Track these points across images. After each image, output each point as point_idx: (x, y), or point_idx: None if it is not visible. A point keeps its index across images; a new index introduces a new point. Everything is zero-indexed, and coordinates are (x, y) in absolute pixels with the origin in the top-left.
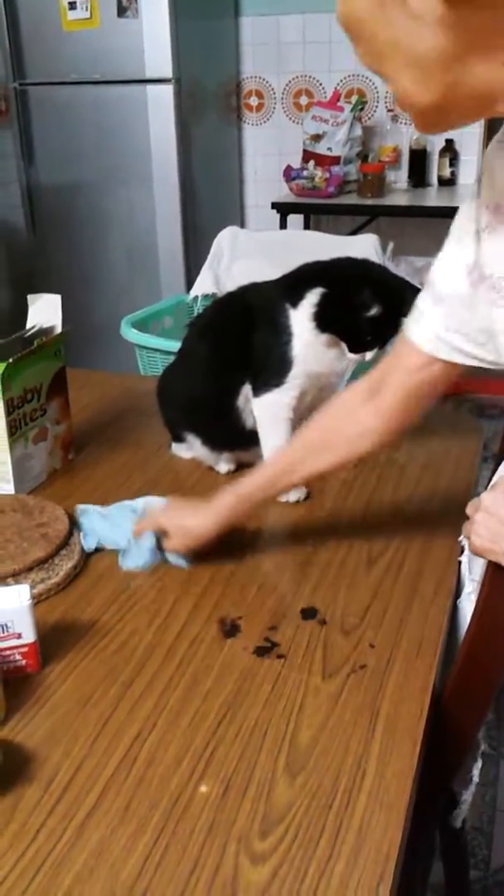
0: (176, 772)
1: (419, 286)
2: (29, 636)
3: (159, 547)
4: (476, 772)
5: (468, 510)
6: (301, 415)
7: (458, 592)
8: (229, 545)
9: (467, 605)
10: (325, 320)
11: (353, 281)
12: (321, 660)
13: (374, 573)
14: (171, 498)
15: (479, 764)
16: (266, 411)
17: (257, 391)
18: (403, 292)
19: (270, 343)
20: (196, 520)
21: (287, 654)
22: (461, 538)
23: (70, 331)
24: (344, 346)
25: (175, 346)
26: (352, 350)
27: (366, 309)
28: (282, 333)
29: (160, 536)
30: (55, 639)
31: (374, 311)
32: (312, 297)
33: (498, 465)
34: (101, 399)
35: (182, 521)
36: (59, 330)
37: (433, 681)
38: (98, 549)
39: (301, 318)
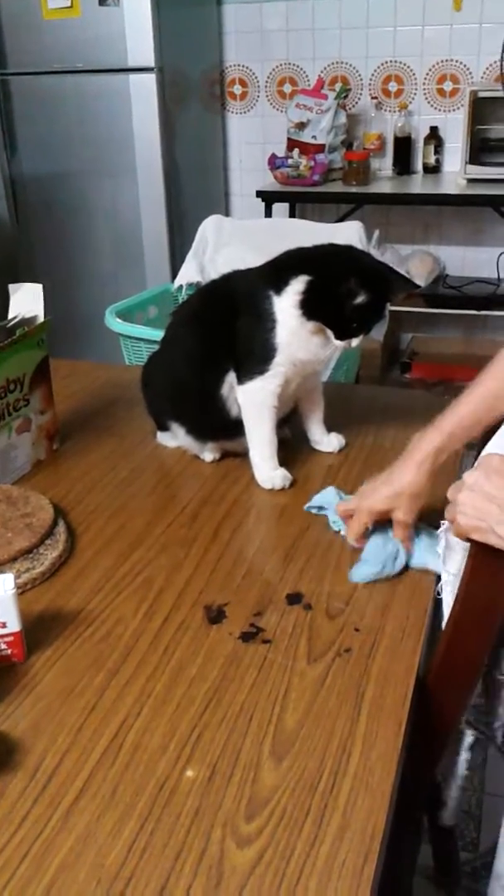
0: (162, 757)
1: (405, 273)
2: (14, 625)
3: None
4: (462, 766)
5: (450, 494)
6: (286, 403)
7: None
8: (216, 531)
9: (445, 594)
10: (310, 308)
11: (339, 268)
12: (306, 644)
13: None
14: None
15: (465, 756)
16: (250, 399)
17: (241, 379)
18: (388, 279)
19: (254, 330)
20: (406, 476)
21: (272, 639)
22: (443, 522)
23: (53, 320)
24: (330, 333)
25: (159, 335)
26: (338, 337)
27: (353, 296)
28: (265, 321)
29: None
30: (41, 628)
31: (360, 299)
32: (297, 285)
33: (481, 449)
34: (86, 389)
35: (393, 489)
36: (41, 319)
37: (417, 664)
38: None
39: (285, 305)
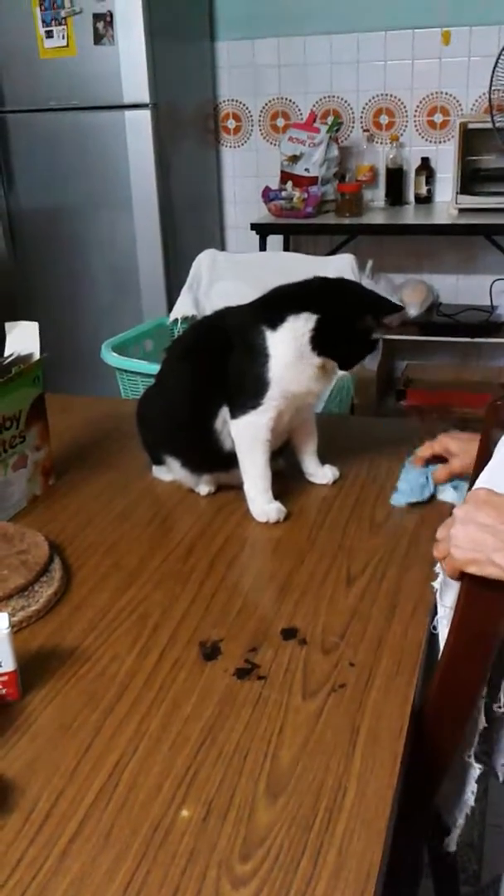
0: (157, 797)
1: (399, 302)
2: (9, 665)
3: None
4: (471, 796)
5: (440, 533)
6: (279, 436)
7: (435, 611)
8: (211, 565)
9: (441, 628)
10: (321, 344)
11: (346, 304)
12: (301, 680)
13: (353, 592)
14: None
15: (473, 787)
16: (244, 433)
17: (235, 413)
18: (384, 304)
19: (247, 365)
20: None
21: (267, 675)
22: (436, 569)
23: (49, 357)
24: (330, 365)
25: (155, 369)
26: (343, 367)
27: (369, 332)
28: (258, 355)
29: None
30: (36, 666)
31: (375, 332)
32: (301, 323)
33: (473, 482)
34: (82, 424)
35: (471, 444)
36: (37, 357)
37: (413, 697)
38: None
39: (280, 339)
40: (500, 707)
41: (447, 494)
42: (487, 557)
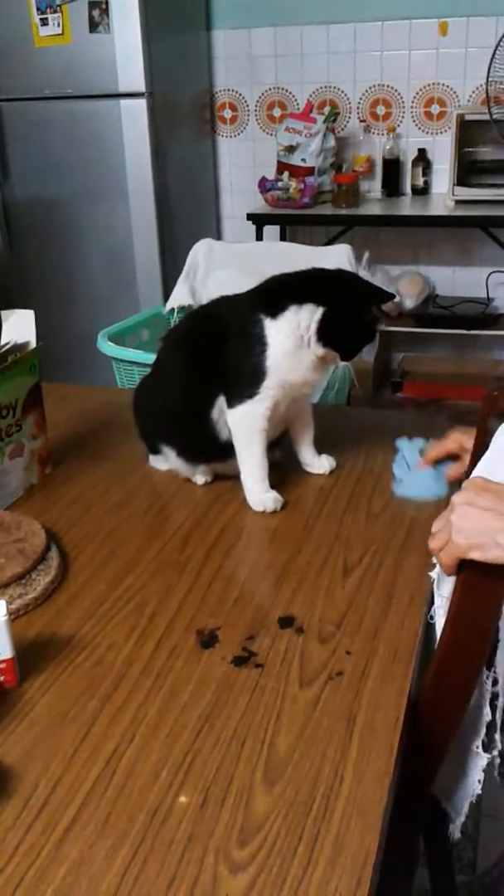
0: (154, 784)
1: (395, 293)
2: (6, 652)
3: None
4: (478, 785)
5: (435, 526)
6: (276, 426)
7: (431, 601)
8: (208, 554)
9: (438, 618)
10: (326, 335)
11: (351, 296)
12: (298, 668)
13: (350, 581)
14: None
15: (480, 776)
16: (240, 422)
17: (231, 402)
18: (381, 293)
19: (244, 354)
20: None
21: (265, 663)
22: (434, 559)
23: (45, 346)
24: (331, 356)
25: (151, 358)
26: (344, 358)
27: (373, 323)
28: (255, 344)
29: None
30: (33, 654)
31: (378, 324)
32: (305, 314)
33: (469, 472)
34: (79, 413)
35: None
36: (33, 345)
37: (409, 686)
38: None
39: (280, 328)
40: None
41: None
42: (492, 540)
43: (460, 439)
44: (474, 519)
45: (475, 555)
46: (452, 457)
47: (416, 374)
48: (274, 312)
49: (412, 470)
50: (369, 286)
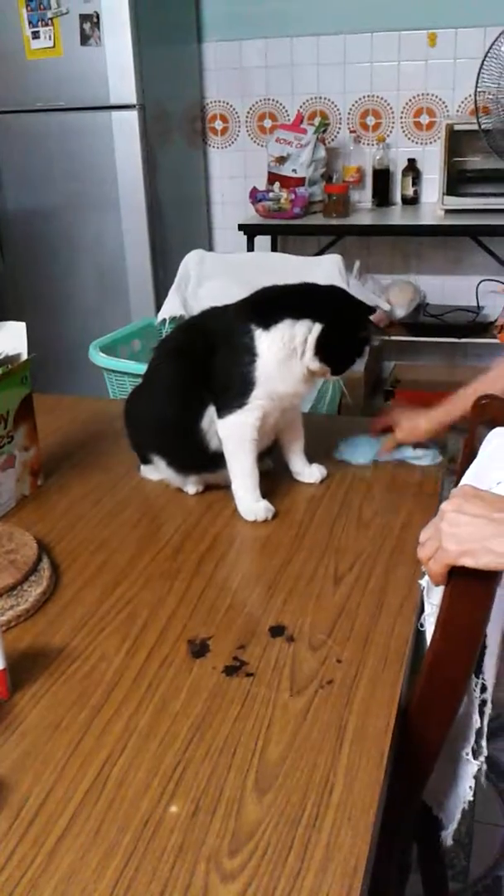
0: (146, 794)
1: (387, 303)
2: None
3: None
4: (469, 792)
5: (423, 536)
6: (266, 435)
7: (421, 609)
8: (199, 564)
9: (428, 625)
10: (322, 352)
11: (349, 315)
12: (289, 676)
13: (340, 589)
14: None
15: (471, 783)
16: (231, 432)
17: (221, 412)
18: (369, 308)
19: (233, 364)
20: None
21: (256, 671)
22: (423, 570)
23: (36, 357)
24: (323, 370)
25: (143, 369)
26: (336, 373)
27: (368, 339)
28: (245, 354)
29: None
30: (25, 665)
31: (373, 339)
32: (301, 329)
33: (459, 479)
34: (70, 424)
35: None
36: (24, 357)
37: (399, 693)
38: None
39: (272, 340)
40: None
41: (406, 454)
42: (483, 546)
43: (395, 415)
44: (465, 525)
45: (466, 561)
46: (389, 429)
47: (408, 382)
48: (267, 324)
49: (350, 439)
50: (360, 302)
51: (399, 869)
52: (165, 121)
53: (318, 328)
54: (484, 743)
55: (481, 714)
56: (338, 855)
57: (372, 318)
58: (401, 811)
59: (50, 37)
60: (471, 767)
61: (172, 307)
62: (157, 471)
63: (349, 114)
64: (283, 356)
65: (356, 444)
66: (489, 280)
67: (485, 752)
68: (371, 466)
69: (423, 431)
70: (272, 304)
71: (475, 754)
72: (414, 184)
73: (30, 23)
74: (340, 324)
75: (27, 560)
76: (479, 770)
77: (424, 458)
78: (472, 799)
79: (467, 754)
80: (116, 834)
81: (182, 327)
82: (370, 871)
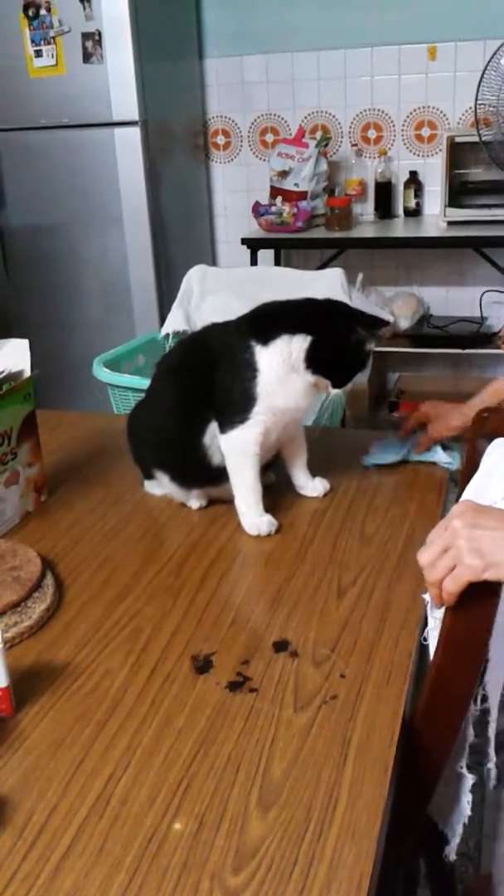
0: (150, 811)
1: (391, 315)
2: (1, 681)
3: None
4: (467, 806)
5: (424, 558)
6: (269, 450)
7: (425, 623)
8: (203, 579)
9: (432, 640)
10: (316, 364)
11: (341, 326)
12: (293, 692)
13: (344, 604)
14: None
15: (468, 797)
16: (233, 447)
17: (223, 428)
18: (373, 321)
19: (235, 380)
20: (464, 407)
21: (259, 687)
22: (425, 596)
23: (41, 373)
24: (323, 383)
25: (146, 384)
26: (336, 386)
27: (363, 351)
28: (246, 370)
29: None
30: (29, 682)
31: (369, 349)
32: (297, 343)
33: (461, 493)
34: (74, 440)
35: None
36: (27, 374)
37: (403, 707)
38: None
39: (271, 355)
40: (476, 709)
41: (438, 456)
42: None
43: (426, 409)
44: (487, 539)
45: (490, 575)
46: (423, 426)
47: (412, 393)
48: (265, 340)
49: (380, 441)
50: (360, 314)
51: (406, 883)
52: (168, 136)
53: (308, 340)
54: (492, 751)
55: (483, 726)
56: (342, 871)
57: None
58: (406, 826)
59: (52, 55)
60: (467, 781)
61: (176, 322)
62: (161, 486)
63: (350, 127)
64: (283, 371)
65: (386, 446)
66: (492, 291)
67: (490, 763)
68: (380, 471)
69: (454, 427)
70: (270, 320)
71: (470, 768)
72: (416, 196)
73: (32, 41)
74: (330, 335)
75: (31, 576)
76: (481, 783)
77: (452, 464)
78: (470, 814)
79: (461, 768)
80: (120, 851)
81: (184, 343)
82: (374, 886)
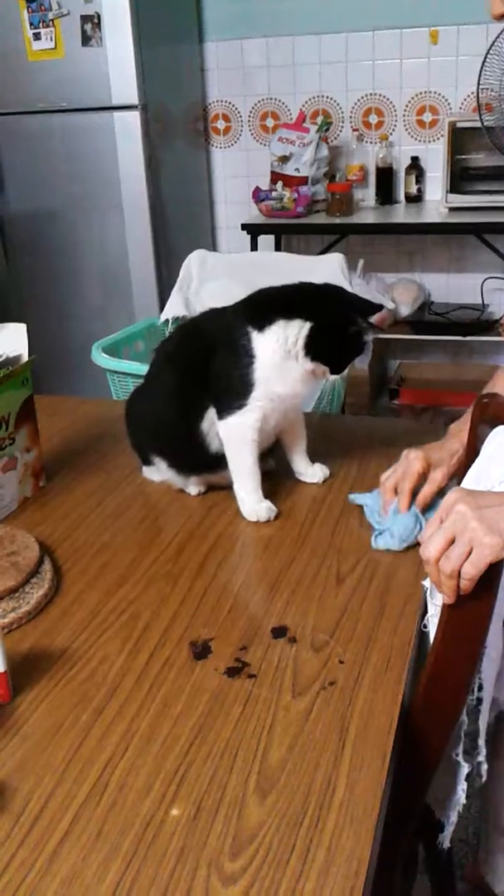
0: (147, 796)
1: (391, 301)
2: None
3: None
4: (462, 794)
5: (431, 551)
6: (268, 436)
7: (424, 609)
8: (201, 565)
9: (431, 626)
10: (313, 350)
11: (337, 310)
12: (291, 678)
13: (343, 589)
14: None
15: (463, 785)
16: (231, 433)
17: (221, 414)
18: (368, 306)
19: (232, 366)
20: (453, 445)
21: (258, 673)
22: (424, 583)
23: (39, 359)
24: (321, 369)
25: (145, 369)
26: (334, 371)
27: (359, 336)
28: (243, 356)
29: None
30: (26, 668)
31: (366, 336)
32: (293, 329)
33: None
34: (72, 425)
35: (443, 451)
36: (25, 358)
37: (402, 694)
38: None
39: (268, 341)
40: (472, 698)
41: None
42: None
43: (421, 457)
44: (498, 515)
45: None
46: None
47: (413, 380)
48: (261, 326)
49: (388, 516)
50: (356, 299)
51: (405, 869)
52: (167, 121)
53: (307, 326)
54: (482, 742)
55: (477, 713)
56: (340, 857)
57: (376, 316)
58: (404, 812)
59: (51, 38)
60: (462, 769)
61: (175, 307)
62: (159, 472)
63: (352, 112)
64: (279, 357)
65: (395, 522)
66: (494, 278)
67: (483, 752)
68: (381, 460)
69: (450, 472)
70: (266, 306)
71: (468, 755)
72: (417, 182)
73: (31, 24)
74: (328, 321)
75: (29, 562)
76: (476, 771)
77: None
78: (465, 801)
79: (457, 755)
80: (117, 837)
81: (182, 329)
82: (373, 872)
